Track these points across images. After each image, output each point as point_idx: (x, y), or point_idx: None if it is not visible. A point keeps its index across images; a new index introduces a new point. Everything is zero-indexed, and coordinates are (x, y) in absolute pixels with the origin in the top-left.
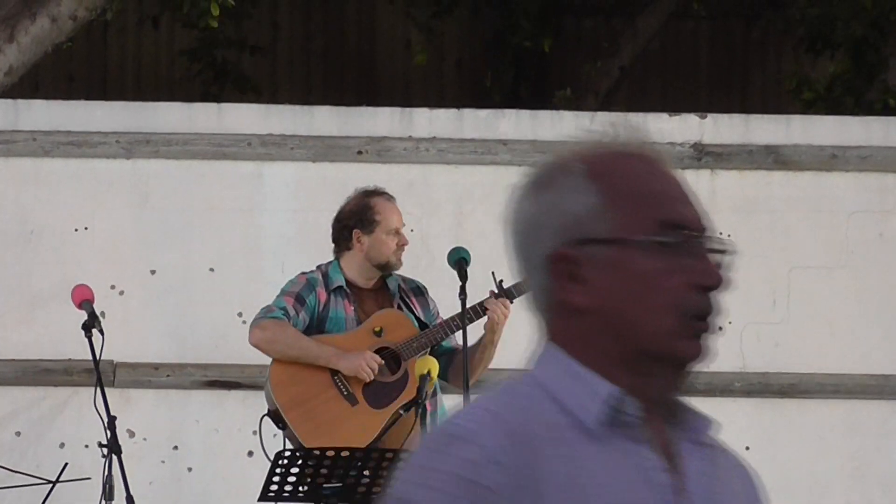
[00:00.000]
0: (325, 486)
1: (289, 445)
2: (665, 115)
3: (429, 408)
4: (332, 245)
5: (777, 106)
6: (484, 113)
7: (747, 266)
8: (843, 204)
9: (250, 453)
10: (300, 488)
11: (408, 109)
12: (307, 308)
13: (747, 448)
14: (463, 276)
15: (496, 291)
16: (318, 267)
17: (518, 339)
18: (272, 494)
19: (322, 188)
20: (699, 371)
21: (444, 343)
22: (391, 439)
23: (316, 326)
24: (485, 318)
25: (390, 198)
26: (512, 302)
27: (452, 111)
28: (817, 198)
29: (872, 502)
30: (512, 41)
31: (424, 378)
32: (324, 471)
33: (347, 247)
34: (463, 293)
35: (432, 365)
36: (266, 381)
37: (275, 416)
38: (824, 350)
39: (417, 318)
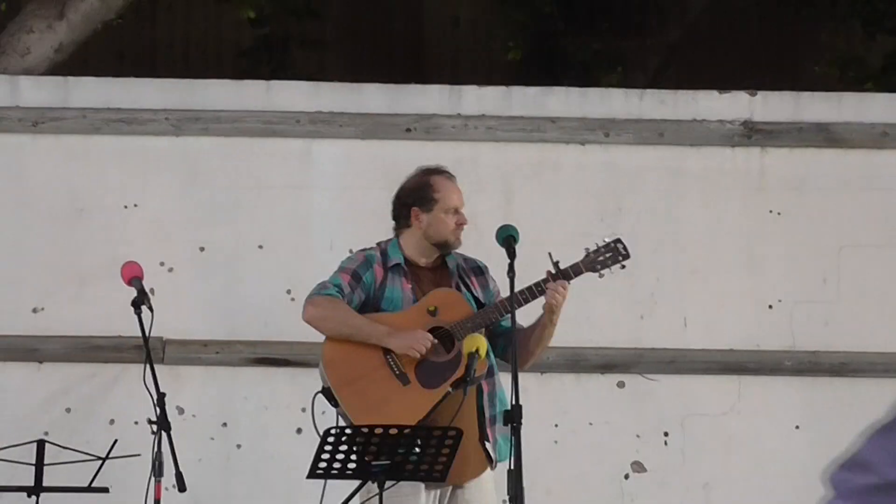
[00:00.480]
0: (373, 463)
1: (341, 423)
2: (715, 93)
3: (485, 388)
4: (393, 223)
5: (828, 83)
6: (533, 90)
7: (797, 245)
8: (894, 182)
9: (299, 430)
10: (349, 465)
11: (456, 87)
12: (363, 285)
13: (797, 427)
14: (511, 254)
15: (553, 272)
16: (378, 244)
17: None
18: (321, 471)
19: (370, 166)
20: (749, 350)
21: (502, 323)
22: (439, 417)
23: (372, 304)
24: (542, 299)
25: (450, 176)
26: (569, 282)
27: (501, 89)
28: (868, 176)
29: None
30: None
31: (473, 356)
32: (372, 448)
33: (406, 224)
34: (511, 271)
35: (480, 343)
36: (319, 359)
37: (327, 393)
38: (875, 329)
39: (476, 298)
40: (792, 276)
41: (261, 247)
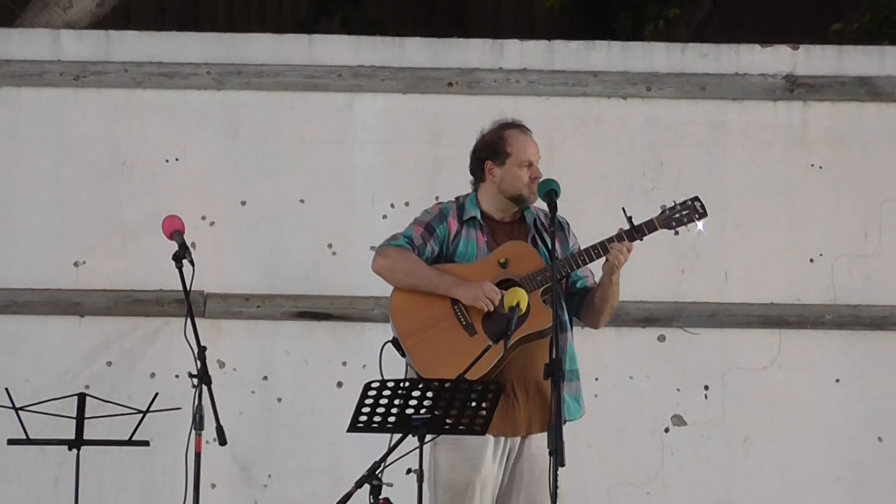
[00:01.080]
0: (414, 416)
1: (409, 373)
2: (757, 47)
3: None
4: (470, 177)
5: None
6: (575, 44)
7: (839, 198)
8: None
9: (339, 384)
10: (389, 419)
11: (498, 41)
12: (437, 238)
13: (837, 381)
14: (553, 208)
15: (625, 229)
16: (457, 198)
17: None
18: (361, 425)
19: (412, 120)
20: (790, 304)
21: (579, 283)
22: (456, 369)
23: (446, 256)
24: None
25: (525, 130)
26: (642, 239)
27: (543, 43)
28: None
29: None
30: None
31: (514, 310)
32: (413, 401)
33: (482, 179)
34: (553, 225)
35: (521, 297)
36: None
37: (396, 343)
38: None
39: (552, 253)
40: (833, 229)
41: (302, 201)
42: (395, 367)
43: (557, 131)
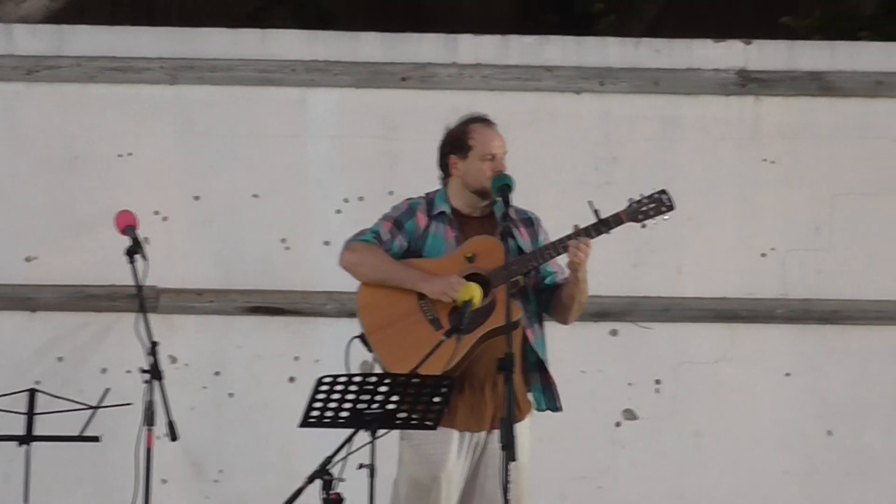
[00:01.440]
0: (366, 411)
1: (377, 369)
2: (710, 42)
3: (530, 337)
4: (440, 172)
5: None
6: (529, 39)
7: (791, 193)
8: (888, 130)
9: (292, 379)
10: (341, 414)
11: (452, 35)
12: (405, 233)
13: (788, 374)
14: (507, 203)
15: (579, 227)
16: (427, 194)
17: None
18: (313, 420)
19: (366, 114)
20: (742, 298)
21: (548, 279)
22: (430, 366)
23: (415, 251)
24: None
25: (489, 123)
26: (609, 233)
27: (497, 37)
28: (862, 124)
29: None
30: None
31: (467, 304)
32: (365, 396)
33: (448, 173)
34: (506, 219)
35: (474, 292)
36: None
37: (363, 338)
38: (867, 277)
39: (521, 249)
40: (785, 224)
41: (256, 196)
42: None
43: (511, 126)
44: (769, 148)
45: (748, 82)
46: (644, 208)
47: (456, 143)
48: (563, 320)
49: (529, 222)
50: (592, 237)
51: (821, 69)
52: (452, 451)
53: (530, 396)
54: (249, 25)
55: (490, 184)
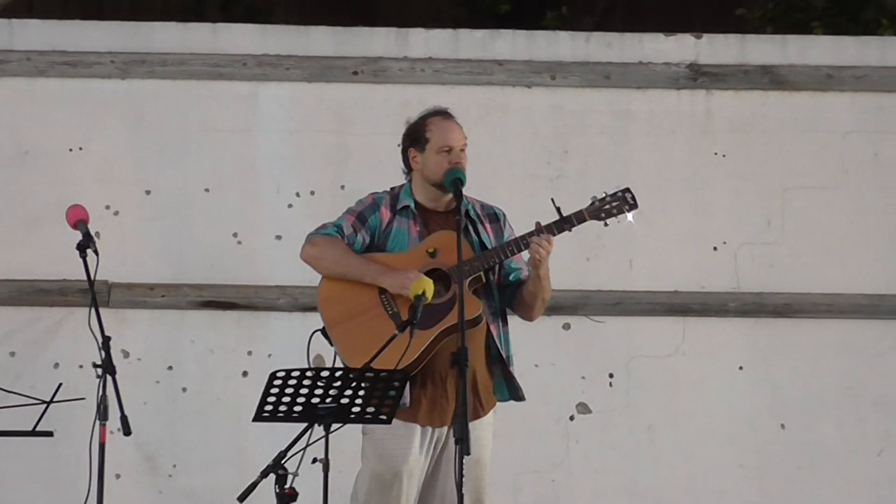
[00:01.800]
0: (319, 406)
1: (339, 362)
2: (661, 36)
3: (493, 331)
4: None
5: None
6: (480, 33)
7: (742, 187)
8: (839, 124)
9: (245, 374)
10: (295, 408)
11: (404, 30)
12: (368, 227)
13: (741, 368)
14: (458, 197)
15: (541, 224)
16: (392, 188)
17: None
18: (266, 414)
19: (318, 108)
20: (694, 291)
21: (512, 275)
22: (383, 358)
23: (378, 246)
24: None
25: (447, 116)
26: (570, 230)
27: (448, 31)
28: (813, 118)
29: (865, 422)
30: None
31: (419, 298)
32: (318, 391)
33: (409, 167)
34: (458, 213)
35: (427, 285)
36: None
37: (325, 332)
38: (818, 270)
39: (485, 244)
40: (736, 218)
41: (207, 190)
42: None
43: (463, 120)
44: (720, 142)
45: (699, 76)
46: (607, 206)
47: (414, 137)
48: (527, 317)
49: (495, 217)
50: (554, 234)
51: (772, 63)
52: (415, 446)
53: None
54: (190, 19)
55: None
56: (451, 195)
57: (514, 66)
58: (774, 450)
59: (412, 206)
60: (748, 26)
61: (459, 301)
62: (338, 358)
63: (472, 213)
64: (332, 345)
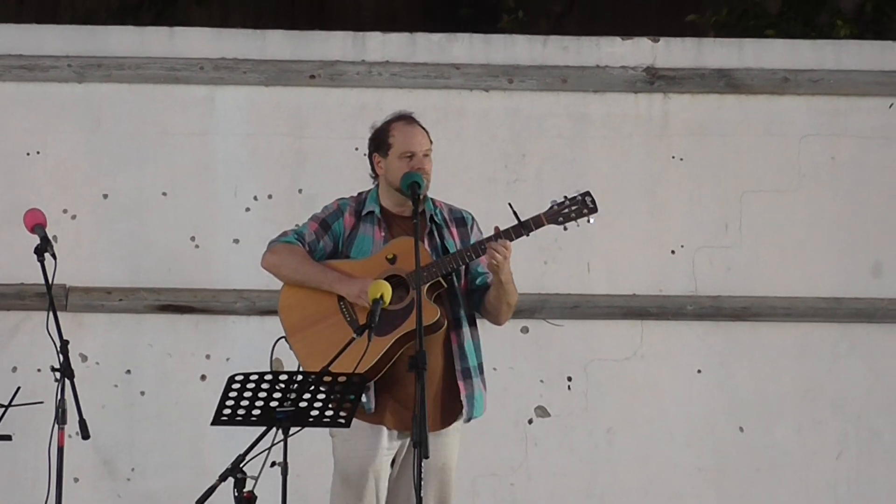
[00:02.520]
0: (278, 409)
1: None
2: (618, 39)
3: (454, 340)
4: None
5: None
6: (437, 37)
7: (700, 190)
8: (795, 127)
9: (203, 377)
10: (253, 412)
11: (360, 33)
12: (332, 234)
13: (699, 371)
14: (416, 201)
15: (500, 228)
16: (359, 193)
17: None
18: (225, 418)
19: (275, 112)
20: (652, 295)
21: (479, 280)
22: (342, 364)
23: (343, 252)
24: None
25: (410, 121)
26: (528, 235)
27: (405, 35)
28: (769, 121)
29: (823, 425)
30: None
31: (377, 302)
32: (277, 395)
33: (375, 173)
34: (416, 217)
35: (385, 289)
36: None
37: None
38: (776, 273)
39: (449, 250)
40: (694, 221)
41: (164, 194)
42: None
43: None
44: (678, 145)
45: (656, 80)
46: (566, 210)
47: (378, 142)
48: (495, 321)
49: (462, 221)
50: (512, 239)
51: (728, 66)
52: (382, 446)
53: (464, 400)
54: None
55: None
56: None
57: (471, 69)
58: (732, 453)
59: (377, 211)
60: (702, 32)
61: (417, 306)
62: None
63: (437, 217)
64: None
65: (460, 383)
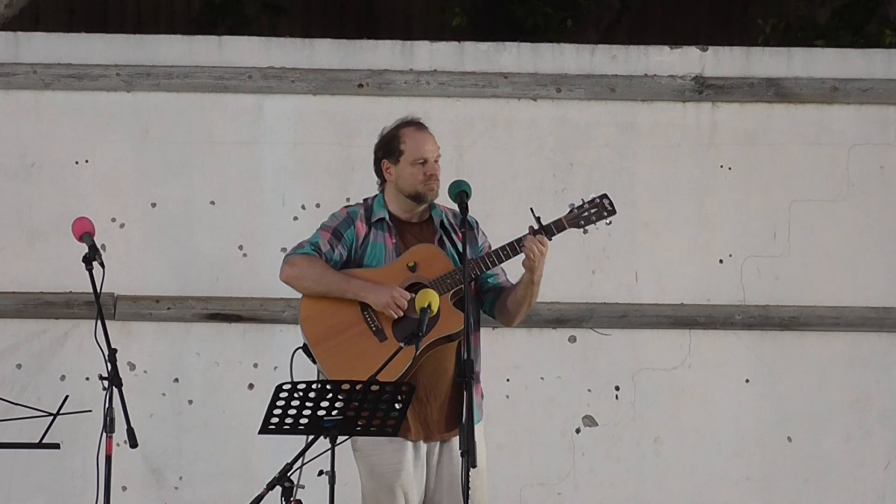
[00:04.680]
0: (325, 418)
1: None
2: (666, 48)
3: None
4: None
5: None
6: (485, 46)
7: (748, 199)
8: (844, 137)
9: (251, 386)
10: (301, 421)
11: (409, 42)
12: (344, 243)
13: (747, 381)
14: (464, 209)
15: (535, 228)
16: (364, 200)
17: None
18: (272, 427)
19: (322, 121)
20: (700, 304)
21: (490, 280)
22: (420, 373)
23: (356, 260)
24: (522, 256)
25: (421, 127)
26: (550, 239)
27: (453, 44)
28: (818, 131)
29: (872, 435)
30: None
31: (425, 311)
32: (324, 403)
33: (383, 178)
34: (464, 226)
35: (432, 298)
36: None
37: (306, 349)
38: (824, 283)
39: (461, 254)
40: (742, 230)
41: (213, 202)
42: (308, 371)
43: (468, 133)
44: (726, 154)
45: (705, 89)
46: (586, 213)
47: (388, 148)
48: (508, 322)
49: (469, 226)
50: (553, 236)
51: (777, 76)
52: (407, 460)
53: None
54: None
55: (421, 187)
56: (424, 206)
57: (519, 78)
58: (781, 463)
59: (387, 217)
60: (752, 42)
61: (466, 313)
62: (321, 376)
63: (445, 222)
64: (314, 362)
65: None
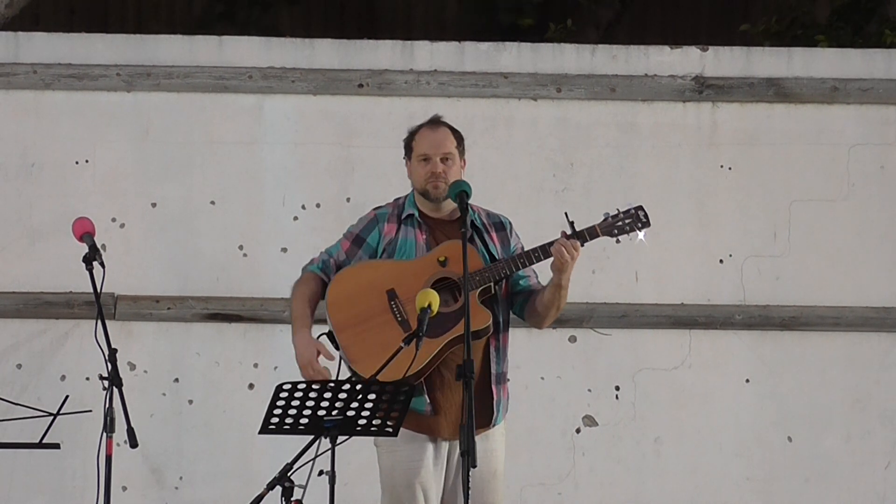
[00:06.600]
0: (326, 418)
1: (344, 368)
2: (666, 48)
3: (492, 343)
4: None
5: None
6: (485, 46)
7: (748, 199)
8: (844, 137)
9: (251, 386)
10: (301, 420)
11: (409, 42)
12: (366, 247)
13: (747, 381)
14: (464, 210)
15: (567, 232)
16: (396, 199)
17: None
18: (272, 427)
19: (323, 121)
20: (700, 304)
21: (522, 282)
22: (391, 372)
23: (388, 256)
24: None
25: (432, 125)
26: (582, 245)
27: (454, 44)
28: (818, 131)
29: (872, 435)
30: None
31: (425, 311)
32: (325, 403)
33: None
34: (464, 226)
35: (433, 298)
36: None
37: (331, 335)
38: (825, 283)
39: (492, 254)
40: (743, 230)
41: (213, 202)
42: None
43: (468, 133)
44: (726, 154)
45: (705, 89)
46: (620, 223)
47: (406, 145)
48: (539, 325)
49: (501, 226)
50: (585, 242)
51: (777, 76)
52: (427, 457)
53: (494, 406)
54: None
55: (425, 184)
56: (434, 204)
57: (519, 78)
58: (781, 462)
59: (416, 214)
60: (752, 41)
61: (466, 312)
62: (342, 362)
63: (477, 222)
64: (337, 349)
65: (493, 388)
